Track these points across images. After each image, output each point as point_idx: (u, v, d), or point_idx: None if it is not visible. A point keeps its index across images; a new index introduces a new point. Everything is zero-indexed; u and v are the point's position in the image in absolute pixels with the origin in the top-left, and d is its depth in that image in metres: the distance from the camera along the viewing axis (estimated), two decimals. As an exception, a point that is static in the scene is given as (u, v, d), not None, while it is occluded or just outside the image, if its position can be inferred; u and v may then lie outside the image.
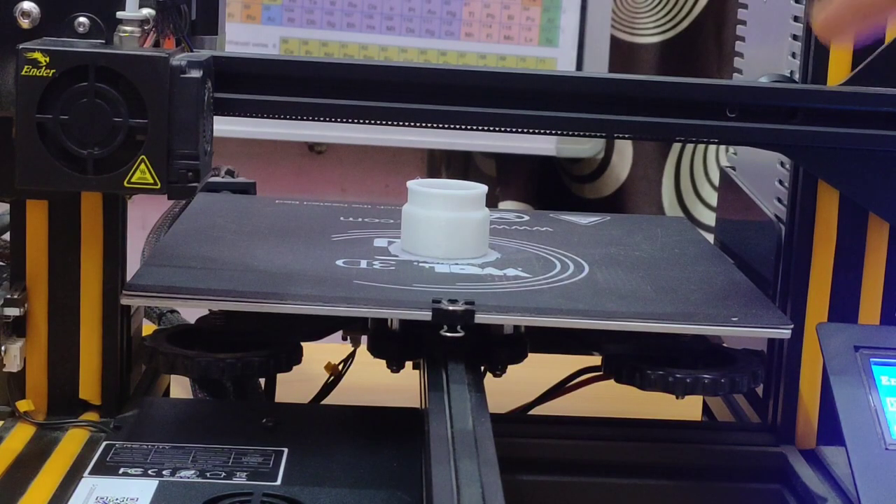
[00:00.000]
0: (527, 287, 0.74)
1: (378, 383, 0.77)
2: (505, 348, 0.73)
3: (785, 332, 0.70)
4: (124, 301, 0.70)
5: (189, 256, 0.76)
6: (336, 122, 0.68)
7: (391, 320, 0.72)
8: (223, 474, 0.64)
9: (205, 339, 0.73)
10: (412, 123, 0.68)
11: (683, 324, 0.70)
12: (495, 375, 0.72)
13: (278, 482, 0.64)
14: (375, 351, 0.73)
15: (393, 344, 0.73)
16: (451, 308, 0.67)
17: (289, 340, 0.74)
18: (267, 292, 0.69)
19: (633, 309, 0.71)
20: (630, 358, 0.72)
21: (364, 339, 0.76)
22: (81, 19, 0.65)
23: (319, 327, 0.75)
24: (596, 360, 0.78)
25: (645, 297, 0.73)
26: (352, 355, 0.81)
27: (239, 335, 0.74)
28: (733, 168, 0.89)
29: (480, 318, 0.68)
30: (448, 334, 0.68)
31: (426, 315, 0.68)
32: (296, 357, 0.73)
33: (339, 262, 0.77)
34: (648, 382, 0.70)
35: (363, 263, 0.77)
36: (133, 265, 0.74)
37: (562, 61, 1.75)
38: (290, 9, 1.79)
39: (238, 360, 0.71)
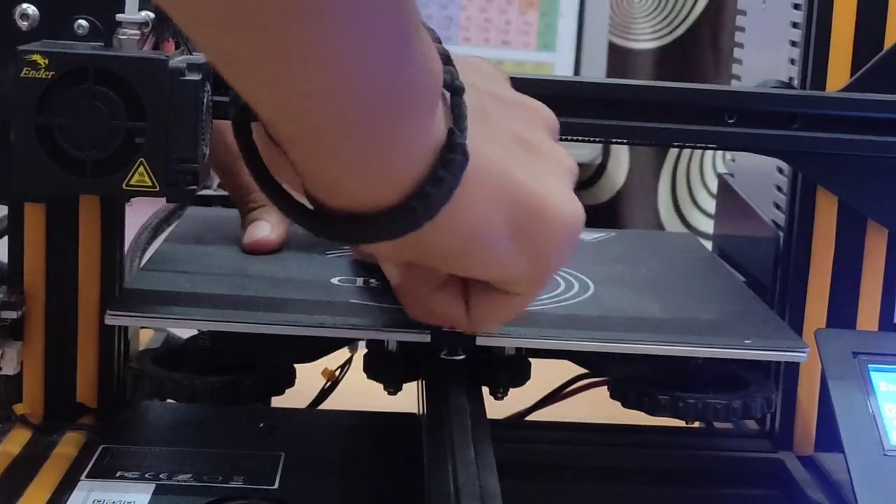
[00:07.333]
0: (530, 307, 0.71)
1: (375, 388, 0.77)
2: (506, 370, 0.69)
3: (801, 356, 0.67)
4: (108, 321, 0.66)
5: (178, 273, 0.74)
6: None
7: (388, 342, 0.69)
8: (220, 478, 0.64)
9: (194, 359, 0.69)
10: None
11: (693, 346, 0.66)
12: (496, 398, 0.70)
13: (275, 486, 0.64)
14: (372, 373, 0.70)
15: (390, 366, 0.70)
16: (451, 330, 0.64)
17: (281, 362, 0.70)
18: (258, 312, 0.66)
19: (640, 330, 0.68)
20: (637, 381, 0.69)
21: (361, 344, 0.74)
22: (81, 22, 0.65)
23: (313, 348, 0.72)
24: (593, 365, 0.78)
25: (652, 318, 0.70)
26: (349, 360, 0.81)
27: (229, 356, 0.69)
28: (731, 175, 0.89)
29: (482, 340, 0.65)
30: (448, 357, 0.67)
31: (425, 337, 0.65)
32: (288, 380, 0.70)
33: (335, 280, 0.74)
34: (658, 407, 0.67)
35: (359, 281, 0.74)
36: (130, 269, 0.74)
37: (559, 66, 1.75)
38: (287, 13, 1.79)
39: (227, 384, 0.67)
